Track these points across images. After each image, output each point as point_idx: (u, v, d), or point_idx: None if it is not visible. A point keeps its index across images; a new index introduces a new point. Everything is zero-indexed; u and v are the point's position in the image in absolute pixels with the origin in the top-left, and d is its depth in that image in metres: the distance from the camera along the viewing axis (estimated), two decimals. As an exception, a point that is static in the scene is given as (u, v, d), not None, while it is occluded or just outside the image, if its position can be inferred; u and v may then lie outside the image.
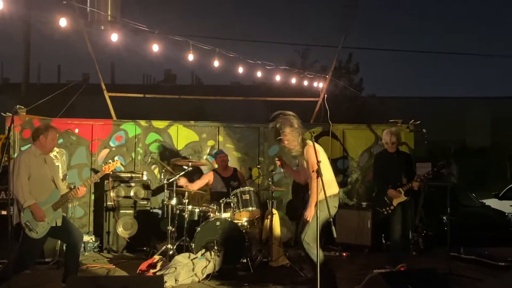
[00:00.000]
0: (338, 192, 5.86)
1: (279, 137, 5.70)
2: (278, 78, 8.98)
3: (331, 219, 5.00)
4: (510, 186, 14.84)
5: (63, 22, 6.34)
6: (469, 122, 24.30)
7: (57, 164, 7.65)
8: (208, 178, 8.16)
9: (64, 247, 6.16)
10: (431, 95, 31.40)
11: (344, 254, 8.39)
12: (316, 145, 5.49)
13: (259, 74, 8.68)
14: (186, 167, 7.81)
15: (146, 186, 8.66)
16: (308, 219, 5.45)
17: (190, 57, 7.56)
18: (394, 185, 7.04)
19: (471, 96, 27.82)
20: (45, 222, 5.54)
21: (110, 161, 6.20)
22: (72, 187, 7.41)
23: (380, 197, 7.19)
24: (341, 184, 9.51)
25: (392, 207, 6.99)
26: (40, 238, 5.59)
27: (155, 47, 7.16)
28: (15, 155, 8.25)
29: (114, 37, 6.83)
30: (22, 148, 8.48)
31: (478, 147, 23.06)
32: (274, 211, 7.66)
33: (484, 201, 12.76)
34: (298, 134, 5.67)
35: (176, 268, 6.36)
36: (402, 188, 6.99)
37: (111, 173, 8.83)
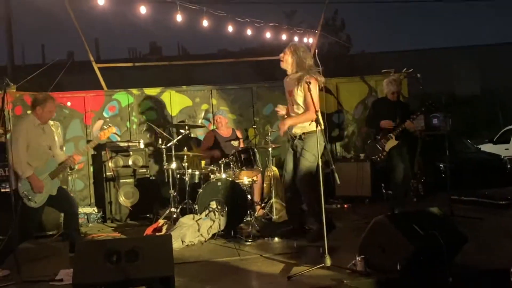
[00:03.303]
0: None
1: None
2: (268, 35, 8.84)
3: (333, 167, 5.04)
4: (504, 130, 14.98)
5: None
6: (459, 72, 24.30)
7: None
8: (210, 137, 8.14)
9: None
10: (419, 47, 31.20)
11: (345, 206, 8.46)
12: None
13: (248, 32, 8.55)
14: (183, 131, 7.79)
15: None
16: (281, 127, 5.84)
17: (178, 17, 7.39)
18: (386, 130, 7.00)
19: (460, 45, 27.67)
20: (43, 192, 5.54)
21: (104, 127, 6.14)
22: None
23: (372, 145, 7.18)
24: (337, 138, 9.61)
25: (384, 153, 6.98)
26: (39, 207, 5.57)
27: (142, 9, 6.99)
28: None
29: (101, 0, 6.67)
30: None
31: (469, 96, 23.14)
32: (274, 168, 7.70)
33: (479, 146, 12.89)
34: (296, 61, 5.89)
35: (182, 229, 6.39)
36: (392, 132, 6.96)
37: (108, 138, 8.83)
